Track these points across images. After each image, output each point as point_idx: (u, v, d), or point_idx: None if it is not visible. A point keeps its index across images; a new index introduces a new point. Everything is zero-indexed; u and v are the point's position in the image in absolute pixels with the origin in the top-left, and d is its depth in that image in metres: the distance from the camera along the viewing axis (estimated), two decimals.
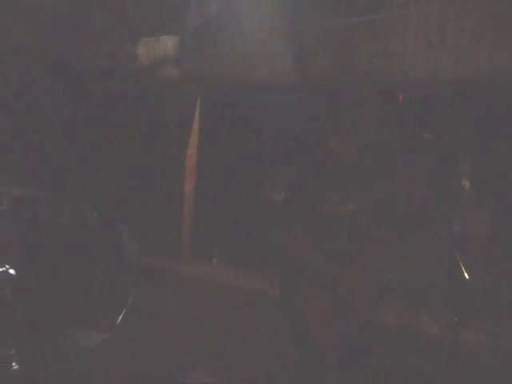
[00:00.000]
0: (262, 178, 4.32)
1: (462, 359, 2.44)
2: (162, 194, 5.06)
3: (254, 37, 4.27)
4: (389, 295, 3.20)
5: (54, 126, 4.21)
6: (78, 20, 4.28)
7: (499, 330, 2.94)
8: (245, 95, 4.85)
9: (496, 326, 2.91)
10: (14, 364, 1.95)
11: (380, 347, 2.21)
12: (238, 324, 3.76)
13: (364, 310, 2.09)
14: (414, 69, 3.82)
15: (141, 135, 4.92)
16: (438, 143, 3.33)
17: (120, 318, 3.85)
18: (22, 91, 4.11)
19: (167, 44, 3.86)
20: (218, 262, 5.18)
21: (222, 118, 5.03)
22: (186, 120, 4.97)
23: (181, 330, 3.69)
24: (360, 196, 2.21)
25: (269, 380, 2.96)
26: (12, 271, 2.09)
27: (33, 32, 4.09)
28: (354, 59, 3.97)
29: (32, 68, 4.20)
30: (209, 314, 3.94)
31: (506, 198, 3.57)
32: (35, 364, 2.31)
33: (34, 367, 2.27)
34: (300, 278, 2.06)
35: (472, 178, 3.78)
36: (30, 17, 4.03)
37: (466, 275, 1.98)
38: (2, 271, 2.08)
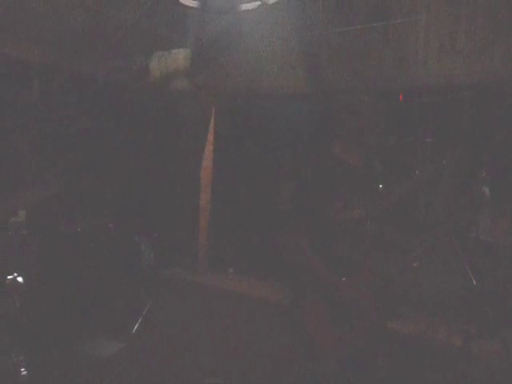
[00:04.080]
0: (275, 186, 4.33)
1: (478, 369, 2.36)
2: (178, 205, 5.12)
3: (264, 47, 4.32)
4: (402, 303, 3.14)
5: (72, 138, 4.34)
6: (91, 37, 4.41)
7: None
8: (255, 105, 4.90)
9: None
10: (22, 370, 2.01)
11: (390, 357, 2.16)
12: (253, 333, 3.75)
13: (369, 317, 2.06)
14: (426, 74, 3.78)
15: (156, 148, 5.01)
16: (453, 149, 3.27)
17: (135, 327, 3.89)
18: (42, 106, 4.26)
19: (178, 57, 3.94)
20: (234, 272, 5.19)
21: (235, 129, 5.09)
22: (200, 132, 5.04)
23: (195, 339, 3.70)
24: (366, 201, 2.20)
25: None
26: (20, 279, 2.17)
27: (50, 51, 4.25)
28: (365, 66, 3.96)
29: (51, 85, 4.35)
30: (224, 324, 3.94)
31: None
32: (47, 372, 2.37)
33: (46, 375, 2.32)
34: (300, 284, 2.05)
35: (491, 184, 3.69)
36: (47, 36, 4.18)
37: (473, 281, 1.93)
38: (11, 279, 2.16)
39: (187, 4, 3.38)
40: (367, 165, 2.26)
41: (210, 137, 5.11)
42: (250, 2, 3.32)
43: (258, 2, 3.35)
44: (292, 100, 4.68)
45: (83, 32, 4.34)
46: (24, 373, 2.00)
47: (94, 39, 4.43)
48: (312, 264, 2.01)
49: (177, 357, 3.39)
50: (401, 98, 3.42)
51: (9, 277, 2.14)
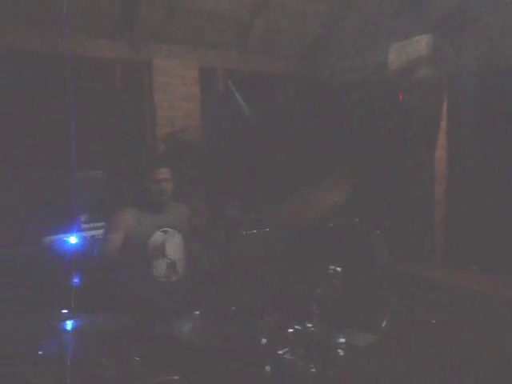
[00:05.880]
0: None
1: None
2: (411, 198, 4.96)
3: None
4: None
5: (309, 144, 4.65)
6: (323, 43, 4.61)
7: None
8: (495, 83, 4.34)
9: None
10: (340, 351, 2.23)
11: None
12: (502, 340, 3.36)
13: None
14: None
15: (386, 140, 4.96)
16: None
17: (384, 321, 3.91)
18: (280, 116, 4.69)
19: (420, 44, 3.78)
20: (478, 270, 4.75)
21: (474, 113, 4.63)
22: (432, 119, 4.77)
23: (441, 338, 3.51)
24: None
25: None
26: (339, 269, 2.42)
27: (284, 62, 4.64)
28: None
29: (287, 94, 4.74)
30: (470, 325, 3.64)
31: None
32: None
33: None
34: None
35: None
36: (281, 49, 4.57)
37: None
38: (332, 268, 2.43)
39: None
40: None
41: (444, 124, 4.79)
42: None
43: None
44: None
45: (316, 40, 4.60)
46: (341, 354, 2.23)
47: (325, 44, 4.66)
48: None
49: (424, 354, 3.27)
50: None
51: (330, 267, 2.44)
